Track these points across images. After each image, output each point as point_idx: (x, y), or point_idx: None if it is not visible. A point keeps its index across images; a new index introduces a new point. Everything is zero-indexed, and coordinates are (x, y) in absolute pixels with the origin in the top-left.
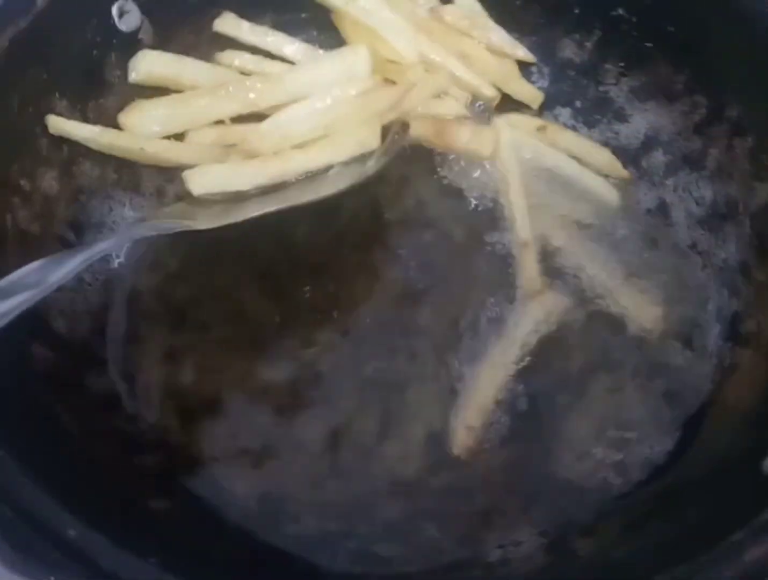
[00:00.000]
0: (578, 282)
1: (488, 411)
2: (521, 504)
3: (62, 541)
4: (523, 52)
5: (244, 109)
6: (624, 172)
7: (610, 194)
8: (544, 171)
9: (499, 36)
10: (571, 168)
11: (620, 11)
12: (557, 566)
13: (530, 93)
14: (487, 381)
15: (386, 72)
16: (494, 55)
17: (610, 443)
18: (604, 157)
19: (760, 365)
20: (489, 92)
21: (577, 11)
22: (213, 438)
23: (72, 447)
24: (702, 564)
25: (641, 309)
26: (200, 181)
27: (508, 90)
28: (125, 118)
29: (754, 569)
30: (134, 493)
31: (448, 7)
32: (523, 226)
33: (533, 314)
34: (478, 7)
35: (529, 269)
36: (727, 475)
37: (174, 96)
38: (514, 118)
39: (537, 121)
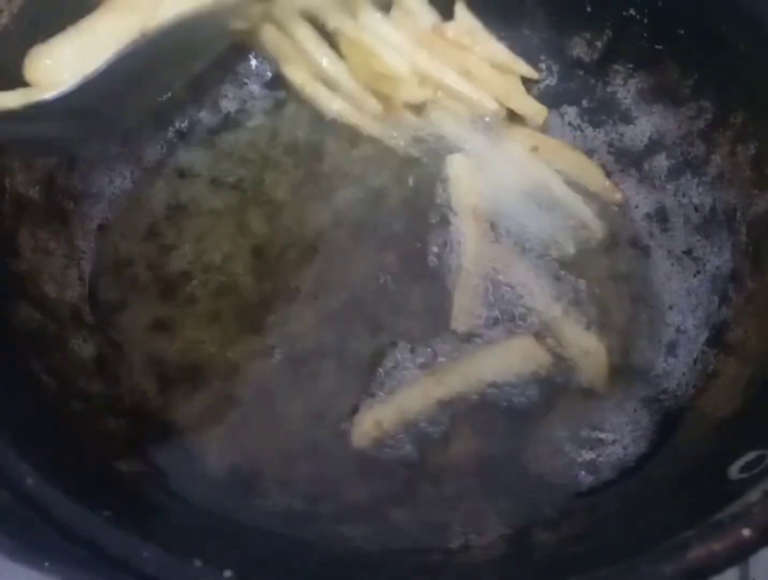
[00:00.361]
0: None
1: (405, 418)
2: (490, 494)
3: (20, 492)
4: (526, 68)
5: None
6: (617, 197)
7: (595, 226)
8: (533, 189)
9: (501, 52)
10: (560, 191)
11: (632, 12)
12: (514, 556)
13: (534, 108)
14: (416, 397)
15: (380, 86)
16: (497, 71)
17: (584, 442)
18: (597, 179)
19: (742, 373)
20: (491, 106)
21: (589, 10)
22: (189, 408)
23: (45, 403)
24: (643, 559)
25: (588, 359)
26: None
27: (512, 105)
28: (31, 72)
29: (695, 568)
30: (102, 453)
31: (450, 24)
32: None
33: (511, 363)
34: (480, 24)
35: (464, 301)
36: (694, 479)
37: (72, 28)
38: (512, 132)
39: (531, 140)
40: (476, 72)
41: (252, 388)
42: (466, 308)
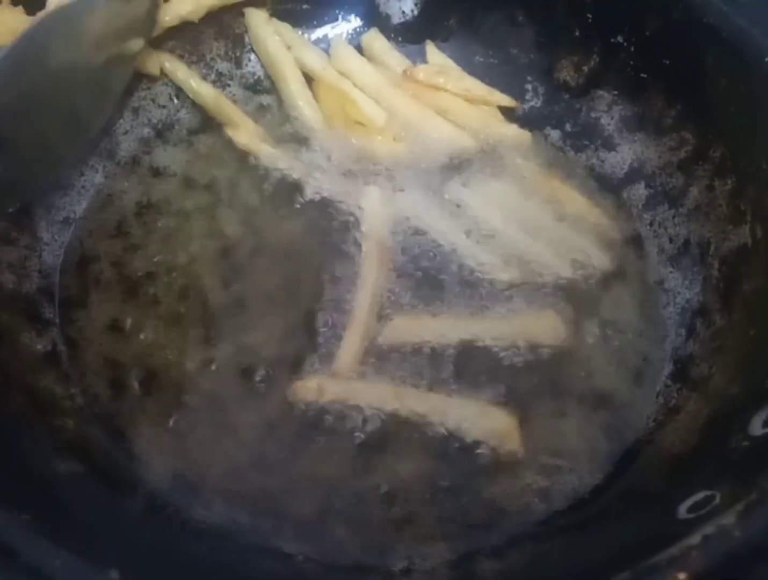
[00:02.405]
0: None
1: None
2: (438, 517)
3: None
4: (501, 97)
5: None
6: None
7: (598, 258)
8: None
9: (475, 86)
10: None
11: (620, 39)
12: None
13: (516, 134)
14: (370, 392)
15: (356, 134)
16: (473, 105)
17: (541, 469)
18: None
19: (702, 410)
20: (467, 143)
21: (577, 33)
22: (141, 412)
23: None
24: None
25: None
26: None
27: (494, 135)
28: None
29: None
30: (42, 452)
31: (421, 66)
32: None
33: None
34: (451, 62)
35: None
36: (643, 515)
37: None
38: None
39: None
40: (453, 109)
41: (204, 397)
42: (351, 350)
